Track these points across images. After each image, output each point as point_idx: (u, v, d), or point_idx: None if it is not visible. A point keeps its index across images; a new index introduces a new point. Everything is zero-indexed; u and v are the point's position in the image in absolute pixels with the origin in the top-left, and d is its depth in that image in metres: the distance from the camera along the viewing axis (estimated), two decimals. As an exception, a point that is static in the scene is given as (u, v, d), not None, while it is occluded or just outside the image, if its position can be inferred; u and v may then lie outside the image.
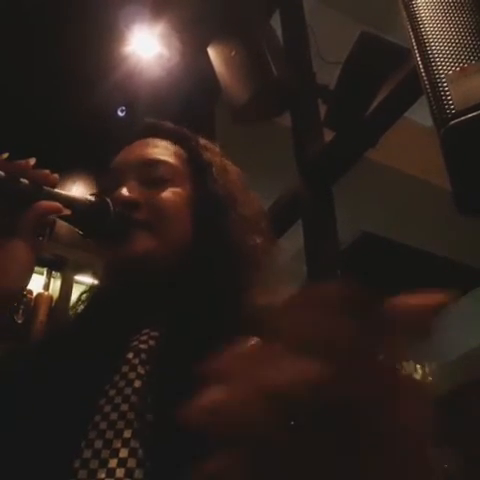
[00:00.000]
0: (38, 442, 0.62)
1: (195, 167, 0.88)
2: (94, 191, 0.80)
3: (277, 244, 0.89)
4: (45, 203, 0.69)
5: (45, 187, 0.71)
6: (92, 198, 0.76)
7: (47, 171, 0.72)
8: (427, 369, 5.08)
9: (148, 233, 0.79)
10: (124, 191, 0.81)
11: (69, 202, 0.72)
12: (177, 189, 0.84)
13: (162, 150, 0.88)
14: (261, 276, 0.80)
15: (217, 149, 0.95)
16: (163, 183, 0.84)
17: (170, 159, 0.87)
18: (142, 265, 0.76)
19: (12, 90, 3.00)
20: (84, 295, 0.89)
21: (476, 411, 4.48)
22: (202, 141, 0.94)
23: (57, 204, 0.70)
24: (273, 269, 0.83)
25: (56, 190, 0.72)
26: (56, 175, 0.73)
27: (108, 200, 0.77)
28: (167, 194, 0.83)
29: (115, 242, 0.78)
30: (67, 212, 0.71)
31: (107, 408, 0.64)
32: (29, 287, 2.73)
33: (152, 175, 0.85)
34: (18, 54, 2.97)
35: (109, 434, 0.62)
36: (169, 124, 0.95)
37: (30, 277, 0.71)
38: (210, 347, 0.65)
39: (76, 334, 0.77)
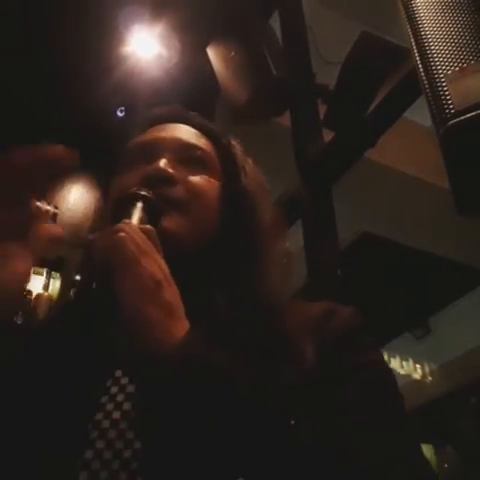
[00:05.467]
0: (38, 448, 0.61)
1: (227, 165, 0.87)
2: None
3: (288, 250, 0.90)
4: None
5: None
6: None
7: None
8: (427, 369, 5.08)
9: (181, 214, 0.77)
10: (161, 163, 0.79)
11: None
12: (210, 176, 0.83)
13: (198, 138, 0.87)
14: (276, 280, 0.80)
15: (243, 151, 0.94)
16: (198, 165, 0.83)
17: (205, 147, 0.86)
18: (171, 243, 0.73)
19: (12, 90, 3.00)
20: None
21: (476, 411, 4.49)
22: (232, 141, 0.93)
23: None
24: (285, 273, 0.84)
25: None
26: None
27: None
28: (203, 179, 0.82)
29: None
30: None
31: (109, 406, 0.64)
32: (29, 287, 2.73)
33: (189, 156, 0.83)
34: (18, 54, 2.97)
35: (111, 434, 0.62)
36: (199, 116, 0.93)
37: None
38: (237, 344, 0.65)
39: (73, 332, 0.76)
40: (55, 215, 2.80)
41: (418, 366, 5.07)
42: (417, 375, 5.03)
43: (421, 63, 1.20)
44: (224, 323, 0.69)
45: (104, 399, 0.65)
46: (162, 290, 0.59)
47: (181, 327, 0.59)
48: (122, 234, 0.60)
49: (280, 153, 2.33)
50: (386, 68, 1.98)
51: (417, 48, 1.23)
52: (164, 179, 0.77)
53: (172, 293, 0.61)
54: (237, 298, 0.73)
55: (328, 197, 2.18)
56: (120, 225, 0.63)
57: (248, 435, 0.53)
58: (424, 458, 0.65)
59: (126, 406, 0.64)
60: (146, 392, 0.58)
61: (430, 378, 5.04)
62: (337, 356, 0.67)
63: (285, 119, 2.46)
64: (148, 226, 0.66)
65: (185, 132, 0.87)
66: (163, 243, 0.68)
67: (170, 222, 0.75)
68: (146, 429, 0.58)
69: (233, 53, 2.46)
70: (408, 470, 0.60)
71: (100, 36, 2.94)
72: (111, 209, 0.73)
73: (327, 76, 2.32)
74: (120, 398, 0.65)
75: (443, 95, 1.12)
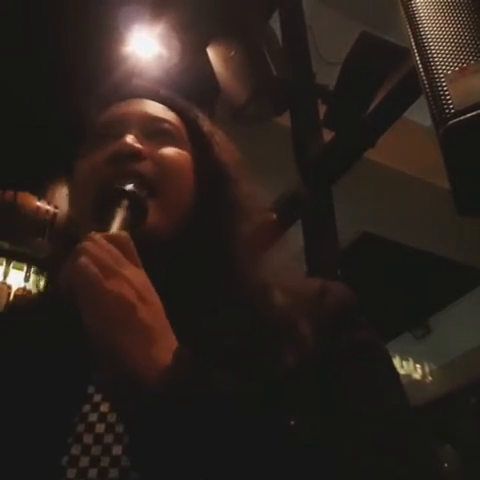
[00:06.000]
0: (15, 459, 0.58)
1: (196, 137, 0.84)
2: None
3: (276, 221, 0.87)
4: None
5: None
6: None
7: None
8: (427, 369, 5.08)
9: (156, 202, 0.72)
10: (128, 139, 0.75)
11: None
12: (181, 149, 0.80)
13: (165, 112, 0.84)
14: (262, 255, 0.78)
15: (212, 122, 0.91)
16: (167, 138, 0.80)
17: (172, 120, 0.83)
18: (152, 237, 0.70)
19: (11, 90, 3.00)
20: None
21: (476, 411, 4.49)
22: (200, 113, 0.90)
23: None
24: (273, 249, 0.81)
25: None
26: None
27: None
28: (172, 151, 0.78)
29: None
30: None
31: (92, 417, 0.62)
32: (29, 287, 2.73)
33: (157, 129, 0.80)
34: (18, 54, 2.97)
35: (95, 449, 0.59)
36: (165, 89, 0.90)
37: None
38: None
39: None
40: (55, 215, 2.79)
41: (418, 366, 5.07)
42: (417, 375, 5.03)
43: (421, 63, 1.20)
44: (215, 320, 0.66)
45: (86, 408, 0.62)
46: (134, 311, 0.54)
47: (164, 347, 0.54)
48: (82, 259, 0.55)
49: (280, 153, 2.33)
50: (386, 68, 1.98)
51: (417, 48, 1.23)
52: (132, 155, 0.74)
53: (149, 310, 0.55)
54: (224, 284, 0.71)
55: (328, 197, 2.18)
56: (82, 245, 0.57)
57: (250, 450, 0.51)
58: (429, 448, 0.64)
59: (111, 418, 0.61)
60: (129, 418, 0.54)
61: (430, 378, 5.04)
62: (335, 336, 0.67)
63: (285, 119, 2.46)
64: (122, 233, 0.61)
65: (151, 106, 0.84)
66: (144, 239, 0.65)
67: (150, 216, 0.71)
68: (134, 448, 0.54)
69: (233, 53, 2.46)
70: (416, 469, 0.58)
71: (100, 36, 2.94)
72: (94, 206, 0.69)
73: (327, 76, 2.32)
74: (104, 408, 0.62)
75: (443, 95, 1.12)
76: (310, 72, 2.43)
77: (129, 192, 0.69)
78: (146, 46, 3.05)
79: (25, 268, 2.76)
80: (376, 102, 2.02)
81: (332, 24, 3.12)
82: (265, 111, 2.51)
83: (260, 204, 0.84)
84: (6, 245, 2.77)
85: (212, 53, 2.63)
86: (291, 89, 2.39)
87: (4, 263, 2.77)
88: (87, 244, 0.57)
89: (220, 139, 0.87)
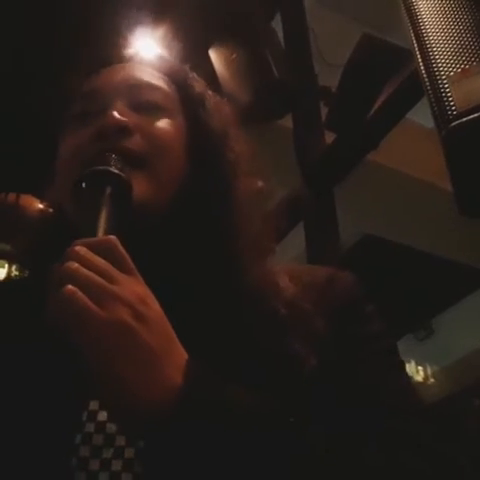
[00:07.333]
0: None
1: (187, 99, 0.78)
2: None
3: (270, 186, 0.80)
4: None
5: None
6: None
7: None
8: (429, 371, 5.07)
9: (144, 173, 0.67)
10: (113, 112, 0.68)
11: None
12: (171, 119, 0.73)
13: (152, 76, 0.77)
14: (257, 219, 0.74)
15: (204, 83, 0.85)
16: (156, 110, 0.73)
17: (162, 85, 0.76)
18: (140, 211, 0.64)
19: (13, 92, 3.00)
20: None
21: (478, 413, 4.48)
22: (191, 73, 0.84)
23: None
24: (266, 212, 0.77)
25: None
26: None
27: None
28: (162, 123, 0.72)
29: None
30: None
31: (97, 438, 0.58)
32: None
33: (144, 99, 0.73)
34: (18, 57, 2.97)
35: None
36: (152, 50, 0.85)
37: None
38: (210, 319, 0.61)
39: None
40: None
41: (420, 368, 5.06)
42: (419, 377, 5.02)
43: (423, 65, 1.20)
44: (224, 315, 0.62)
45: (89, 427, 0.58)
46: (133, 335, 0.50)
47: (171, 366, 0.51)
48: (68, 288, 0.48)
49: (282, 155, 2.32)
50: (388, 70, 1.98)
51: (419, 50, 1.23)
52: (118, 130, 0.67)
53: (149, 329, 0.51)
54: (229, 268, 0.67)
55: (330, 199, 2.18)
56: (65, 268, 0.50)
57: (268, 465, 0.51)
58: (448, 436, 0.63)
59: (120, 441, 0.57)
60: (141, 441, 0.53)
61: (433, 380, 5.03)
62: (344, 329, 0.65)
63: (287, 121, 2.46)
64: (108, 239, 0.54)
65: (137, 71, 0.77)
66: (134, 215, 0.61)
67: (137, 188, 0.64)
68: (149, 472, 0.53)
69: (235, 55, 2.46)
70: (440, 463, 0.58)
71: (102, 38, 2.95)
72: (75, 190, 0.63)
73: (329, 78, 2.32)
74: (111, 430, 0.57)
75: (445, 97, 1.12)
76: (312, 74, 2.43)
77: (111, 175, 0.62)
78: (148, 48, 3.06)
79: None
80: (378, 104, 2.02)
81: (334, 26, 3.12)
82: (266, 113, 2.51)
83: (255, 167, 0.77)
84: (8, 247, 2.78)
85: (214, 55, 2.63)
86: (293, 91, 2.39)
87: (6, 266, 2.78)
88: (70, 266, 0.50)
89: (211, 101, 0.81)
